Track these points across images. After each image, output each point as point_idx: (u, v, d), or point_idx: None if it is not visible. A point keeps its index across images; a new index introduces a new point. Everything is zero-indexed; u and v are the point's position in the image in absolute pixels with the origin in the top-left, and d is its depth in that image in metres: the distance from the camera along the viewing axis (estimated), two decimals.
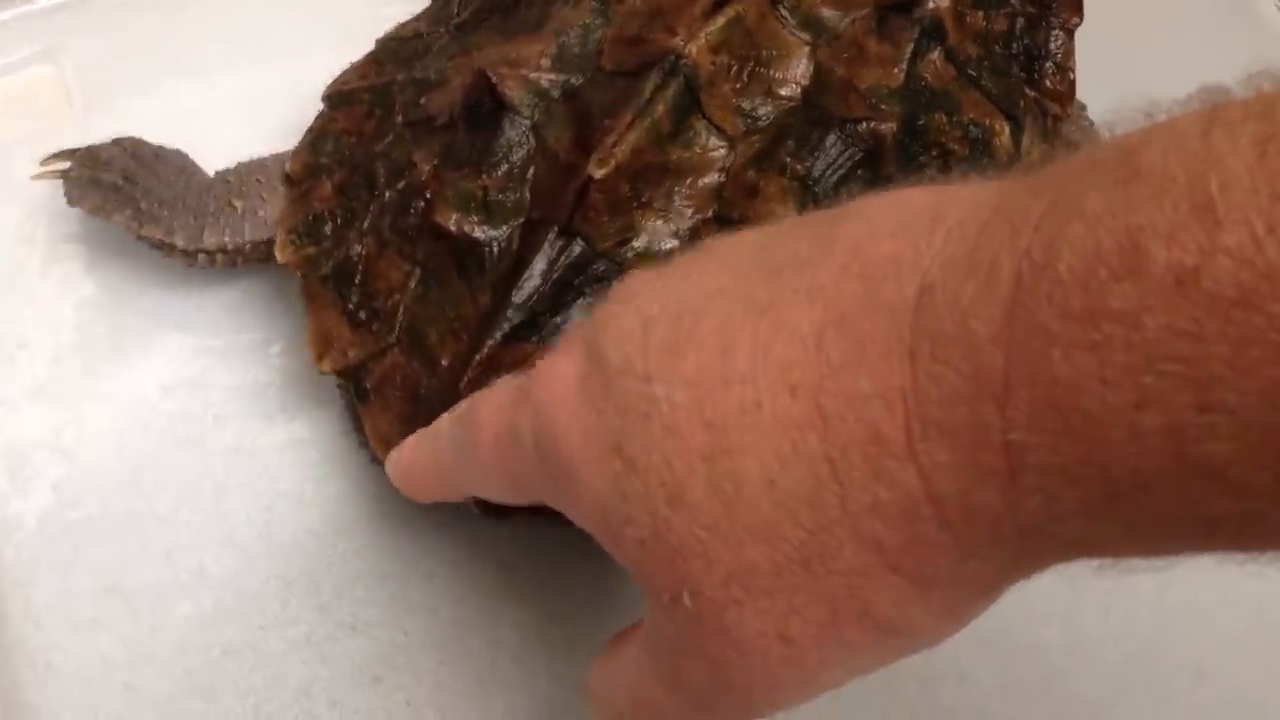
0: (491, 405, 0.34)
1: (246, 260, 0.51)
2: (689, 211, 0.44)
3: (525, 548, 0.49)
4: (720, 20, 0.45)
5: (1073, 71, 0.52)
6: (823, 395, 0.26)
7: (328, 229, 0.48)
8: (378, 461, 0.45)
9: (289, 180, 0.50)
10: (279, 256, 0.48)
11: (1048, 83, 0.51)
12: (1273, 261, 0.20)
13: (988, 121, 0.48)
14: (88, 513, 0.48)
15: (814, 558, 0.27)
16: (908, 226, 0.27)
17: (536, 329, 0.43)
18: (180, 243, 0.50)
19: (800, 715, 0.46)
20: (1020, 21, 0.51)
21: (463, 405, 0.37)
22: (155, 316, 0.53)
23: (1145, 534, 0.24)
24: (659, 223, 0.44)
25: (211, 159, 0.53)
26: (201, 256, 0.50)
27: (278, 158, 0.51)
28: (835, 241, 0.28)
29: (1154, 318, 0.21)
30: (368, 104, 0.50)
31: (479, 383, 0.42)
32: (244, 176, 0.51)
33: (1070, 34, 0.52)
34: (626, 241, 0.44)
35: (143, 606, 0.47)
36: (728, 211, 0.44)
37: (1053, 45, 0.52)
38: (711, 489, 0.27)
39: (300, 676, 0.46)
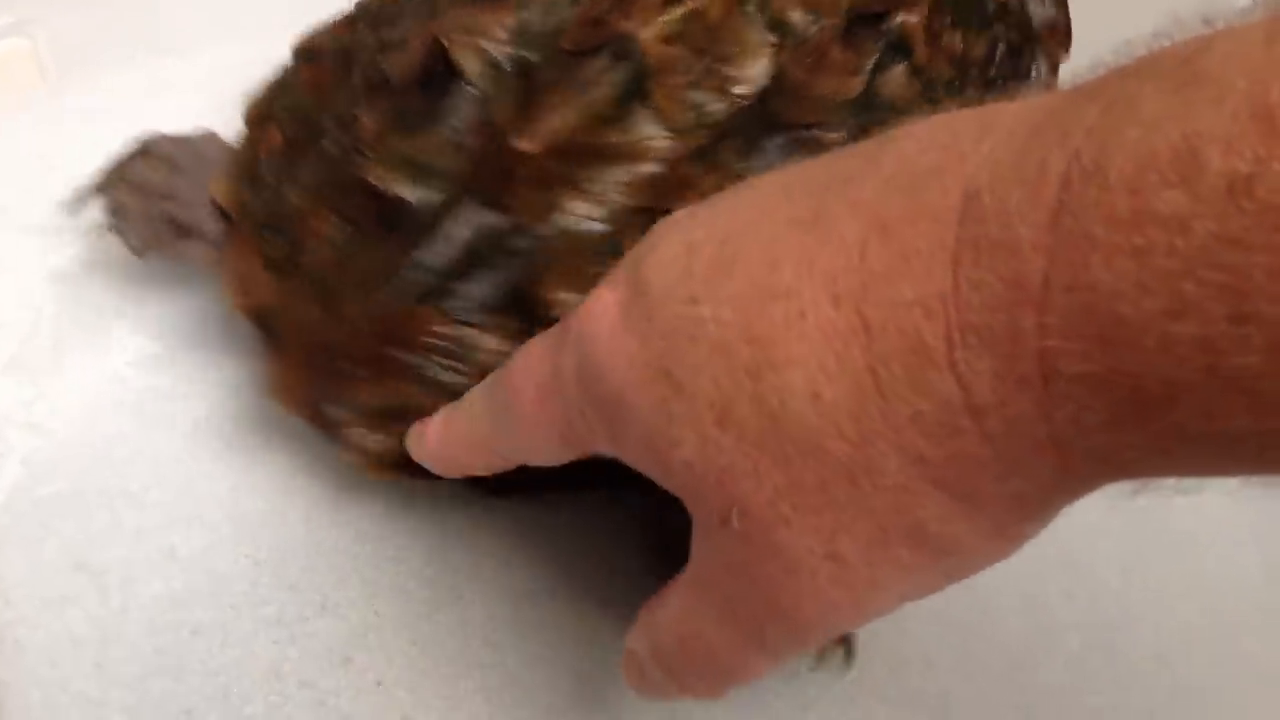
0: (526, 362, 0.34)
1: None
2: (619, 197, 0.43)
3: (497, 529, 0.49)
4: (678, 11, 0.44)
5: None
6: (865, 304, 0.26)
7: (269, 178, 0.48)
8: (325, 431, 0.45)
9: (245, 122, 0.50)
10: (216, 197, 0.48)
11: None
12: None
13: None
14: (57, 489, 0.48)
15: (860, 472, 0.26)
16: (956, 138, 0.27)
17: (444, 295, 0.43)
18: None
19: (770, 696, 0.47)
20: (1002, 48, 0.50)
21: (491, 375, 0.37)
22: (126, 296, 0.52)
23: (1172, 450, 0.24)
24: (585, 204, 0.43)
25: None
26: None
27: None
28: (881, 159, 0.28)
29: (1202, 224, 0.21)
30: (333, 61, 0.50)
31: (377, 340, 0.43)
32: None
33: (1055, 69, 0.52)
34: (549, 219, 0.43)
35: (112, 584, 0.46)
36: (659, 203, 0.43)
37: (1034, 76, 0.51)
38: (758, 405, 0.27)
39: (270, 656, 0.46)
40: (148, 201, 0.50)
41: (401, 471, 0.45)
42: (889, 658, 0.48)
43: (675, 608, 0.33)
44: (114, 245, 0.51)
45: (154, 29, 0.58)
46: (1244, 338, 0.21)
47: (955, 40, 0.49)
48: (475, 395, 0.38)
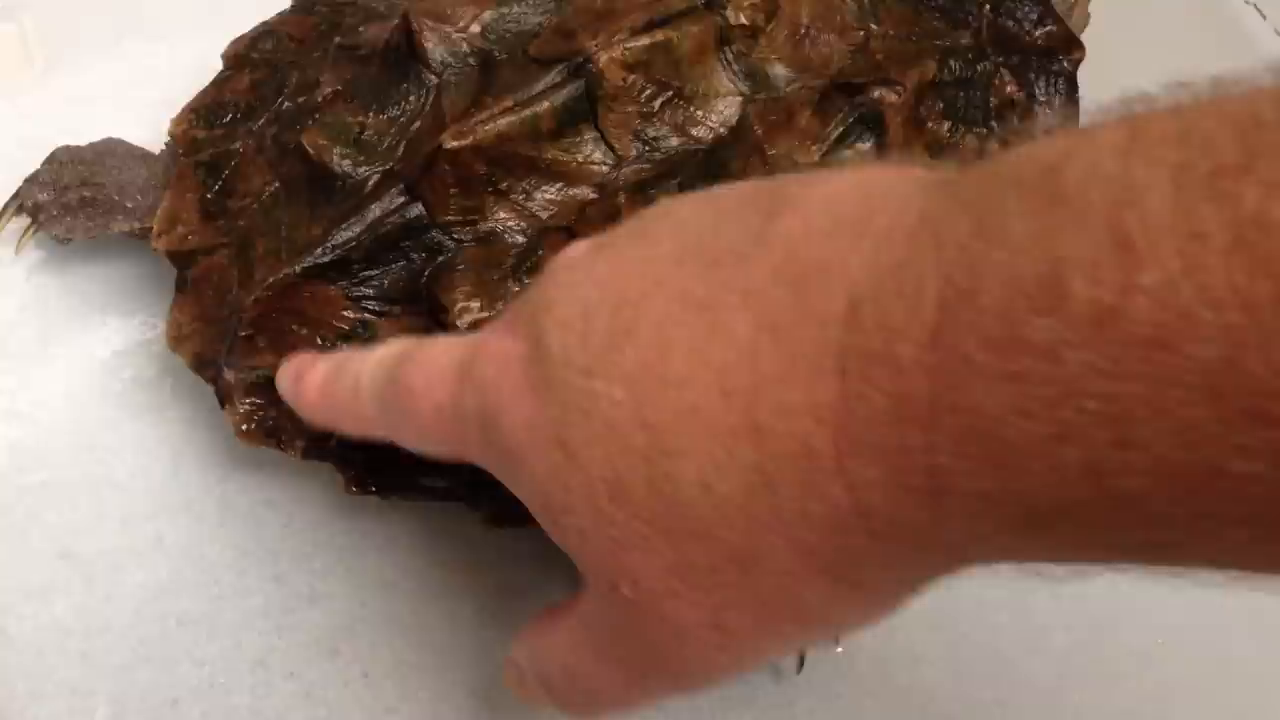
0: (427, 376, 0.35)
1: None
2: (545, 215, 0.43)
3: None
4: (645, 40, 0.43)
5: None
6: (756, 405, 0.26)
7: (226, 119, 0.48)
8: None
9: (223, 61, 0.50)
10: (170, 127, 0.48)
11: None
12: (1188, 303, 0.20)
13: None
14: (42, 477, 0.48)
15: (748, 559, 0.27)
16: (838, 229, 0.27)
17: (347, 275, 0.43)
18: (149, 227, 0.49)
19: (758, 691, 0.47)
20: (996, 146, 0.48)
21: (386, 363, 0.37)
22: (112, 284, 0.52)
23: (1062, 552, 0.25)
24: (508, 215, 0.43)
25: None
26: None
27: None
28: (771, 240, 0.28)
29: (1073, 353, 0.21)
30: (320, 18, 0.50)
31: (270, 305, 0.43)
32: None
33: None
34: (471, 223, 0.43)
35: (98, 574, 0.46)
36: (584, 229, 0.43)
37: None
38: (651, 487, 0.28)
39: (257, 647, 0.46)
40: (61, 194, 0.50)
41: (275, 443, 0.44)
42: (877, 653, 0.48)
43: (563, 641, 0.34)
44: (105, 235, 0.51)
45: (142, 16, 0.58)
46: (1128, 461, 0.21)
47: (941, 130, 0.48)
48: (365, 377, 0.38)
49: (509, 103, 0.43)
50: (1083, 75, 0.51)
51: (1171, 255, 0.20)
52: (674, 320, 0.28)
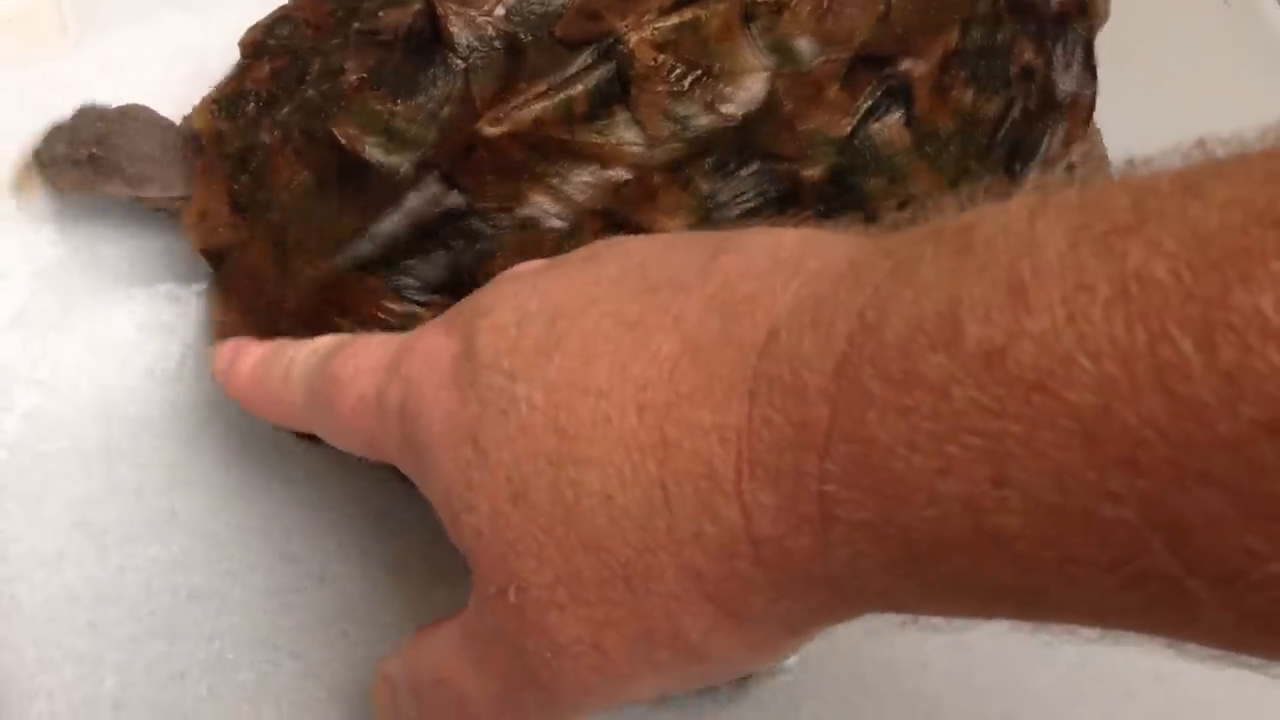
0: (357, 365, 0.35)
1: None
2: (581, 198, 0.43)
3: None
4: (673, 19, 0.43)
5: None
6: (668, 421, 0.27)
7: (249, 109, 0.48)
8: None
9: (240, 49, 0.50)
10: (193, 120, 0.48)
11: (1028, 183, 0.50)
12: (1068, 350, 0.21)
13: (932, 199, 0.46)
14: (59, 446, 0.48)
15: (636, 576, 0.28)
16: (774, 268, 0.28)
17: (388, 266, 0.43)
18: (180, 191, 0.49)
19: (762, 692, 0.46)
20: (1017, 112, 0.49)
21: (321, 352, 0.37)
22: (136, 256, 0.52)
23: (940, 596, 0.26)
24: (546, 200, 0.43)
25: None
26: None
27: None
28: (710, 274, 0.29)
29: (962, 390, 0.22)
30: (335, 3, 0.50)
31: (314, 299, 0.43)
32: None
33: (1067, 146, 0.51)
34: (509, 209, 0.43)
35: (110, 544, 0.46)
36: (620, 210, 0.43)
37: (1044, 148, 0.50)
38: (554, 494, 0.28)
39: (265, 625, 0.46)
40: (76, 149, 0.50)
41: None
42: (881, 659, 0.47)
43: (441, 648, 0.34)
44: (124, 208, 0.51)
45: None
46: (1004, 499, 0.22)
47: (966, 96, 0.48)
48: (296, 366, 0.38)
49: (543, 87, 0.43)
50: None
51: (1058, 303, 0.21)
52: (603, 334, 0.29)
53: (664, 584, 0.28)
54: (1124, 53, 0.53)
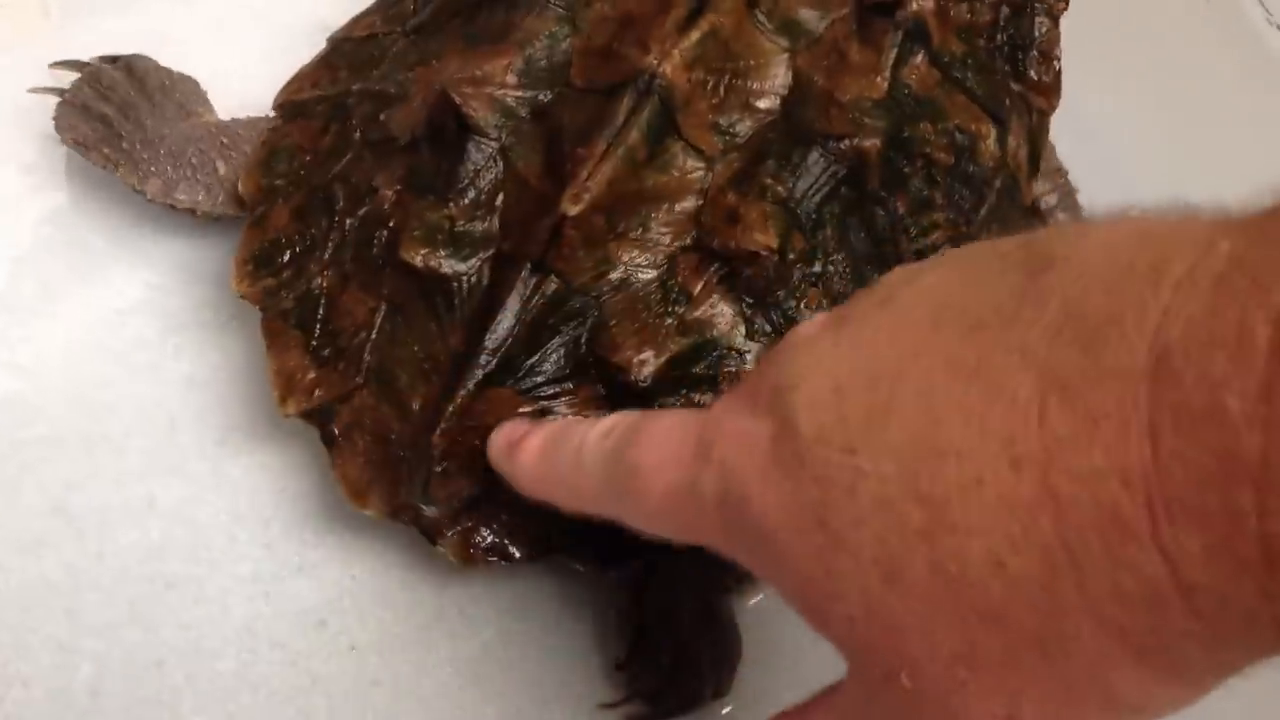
0: (660, 452, 0.33)
1: (222, 219, 0.50)
2: (667, 239, 0.43)
3: None
4: (695, 35, 0.43)
5: (1058, 61, 0.51)
6: (1052, 472, 0.24)
7: (286, 258, 0.46)
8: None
9: (247, 201, 0.47)
10: (234, 288, 0.46)
11: (1033, 74, 0.50)
12: None
13: (973, 126, 0.47)
14: (39, 432, 0.48)
15: (1050, 641, 0.25)
16: (1125, 279, 0.25)
17: (512, 373, 0.42)
18: (150, 194, 0.49)
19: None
20: (1005, 10, 0.49)
21: (617, 433, 0.36)
22: (117, 239, 0.52)
23: None
24: (635, 253, 0.42)
25: None
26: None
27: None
28: (1042, 296, 0.26)
29: None
30: (324, 117, 0.48)
31: (454, 431, 0.42)
32: (237, 136, 0.50)
33: (1055, 20, 0.51)
34: (603, 275, 0.42)
35: (89, 531, 0.46)
36: (706, 238, 0.43)
37: (1038, 33, 0.50)
38: (933, 568, 0.26)
39: (243, 614, 0.46)
40: (100, 103, 0.50)
41: (499, 557, 0.43)
42: None
43: None
44: (110, 188, 0.51)
45: None
46: None
47: (962, 11, 0.48)
48: (588, 451, 0.36)
49: (602, 145, 0.42)
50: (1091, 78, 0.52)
51: None
52: (941, 388, 0.26)
53: (1084, 645, 0.25)
54: (1103, 49, 0.53)
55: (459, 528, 0.43)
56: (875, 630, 0.27)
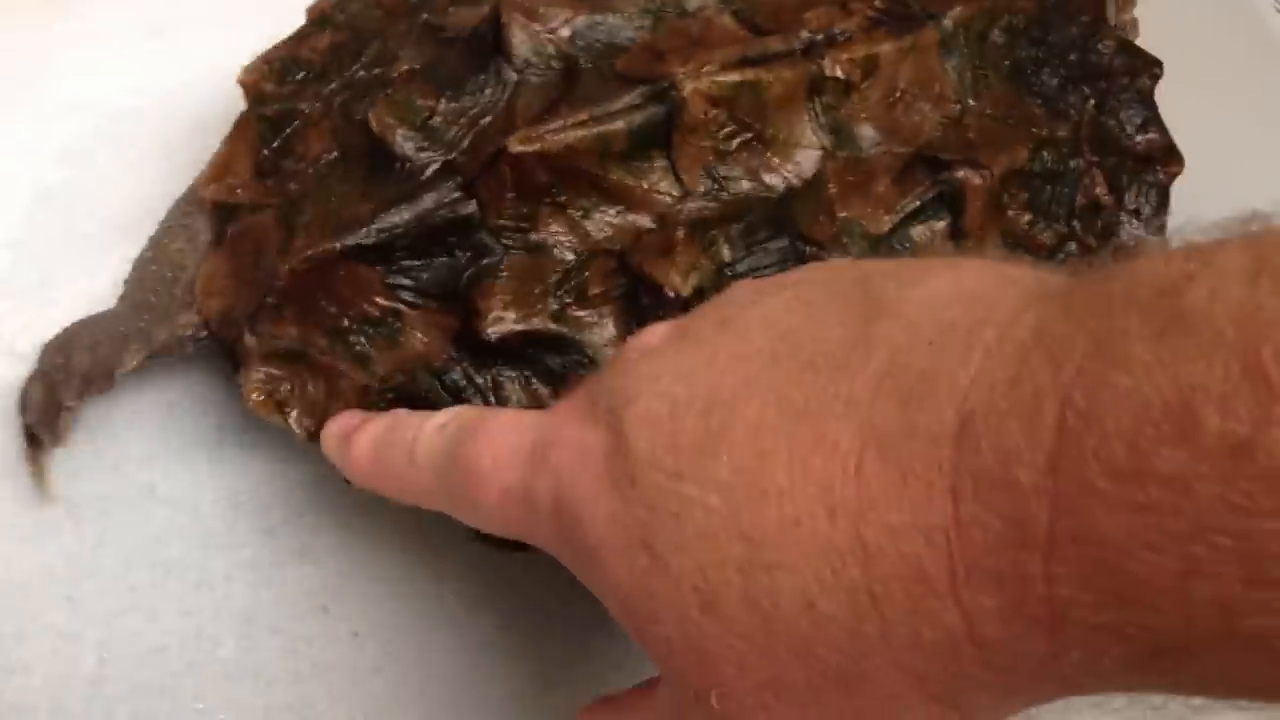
0: (494, 456, 0.34)
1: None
2: (599, 236, 0.42)
3: None
4: (734, 75, 0.42)
5: None
6: (863, 523, 0.25)
7: (298, 77, 0.47)
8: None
9: (306, 15, 0.49)
10: (240, 75, 0.47)
11: None
12: None
13: None
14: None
15: (852, 679, 0.27)
16: (946, 337, 0.26)
17: (386, 261, 0.42)
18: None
19: None
20: (1073, 247, 0.47)
21: (452, 428, 0.36)
22: (117, 221, 0.51)
23: (1188, 689, 0.24)
24: (562, 229, 0.42)
25: (180, 74, 0.51)
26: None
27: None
28: (871, 345, 0.27)
29: (1205, 487, 0.21)
30: None
31: (303, 277, 0.42)
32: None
33: None
34: (522, 230, 0.42)
35: (88, 519, 0.46)
36: (633, 259, 0.42)
37: None
38: (748, 602, 0.27)
39: (245, 600, 0.46)
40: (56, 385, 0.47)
41: (282, 415, 0.43)
42: None
43: None
44: (102, 174, 0.51)
45: None
46: (1263, 601, 0.21)
47: (1021, 219, 0.46)
48: (422, 446, 0.37)
49: (584, 115, 0.41)
50: None
51: None
52: (771, 426, 0.27)
53: (882, 686, 0.26)
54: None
55: (267, 369, 0.43)
56: (691, 653, 0.28)
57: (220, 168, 0.46)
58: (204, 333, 0.45)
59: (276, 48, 0.48)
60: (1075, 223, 0.47)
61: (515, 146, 0.41)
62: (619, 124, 0.41)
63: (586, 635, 0.47)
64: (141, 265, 0.48)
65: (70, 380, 0.46)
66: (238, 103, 0.49)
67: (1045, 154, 0.47)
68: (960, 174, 0.44)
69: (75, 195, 0.52)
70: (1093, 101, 0.48)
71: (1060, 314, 0.25)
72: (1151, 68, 0.49)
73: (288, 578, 0.46)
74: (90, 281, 0.50)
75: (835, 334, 0.28)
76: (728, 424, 0.28)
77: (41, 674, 0.44)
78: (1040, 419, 0.23)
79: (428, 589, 0.46)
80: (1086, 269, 0.26)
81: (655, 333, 0.33)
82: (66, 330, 0.48)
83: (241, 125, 0.47)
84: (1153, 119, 0.49)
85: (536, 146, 0.41)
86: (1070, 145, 0.47)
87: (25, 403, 0.47)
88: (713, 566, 0.27)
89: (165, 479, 0.47)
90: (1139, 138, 0.49)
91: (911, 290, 0.28)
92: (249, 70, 0.48)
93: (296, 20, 0.50)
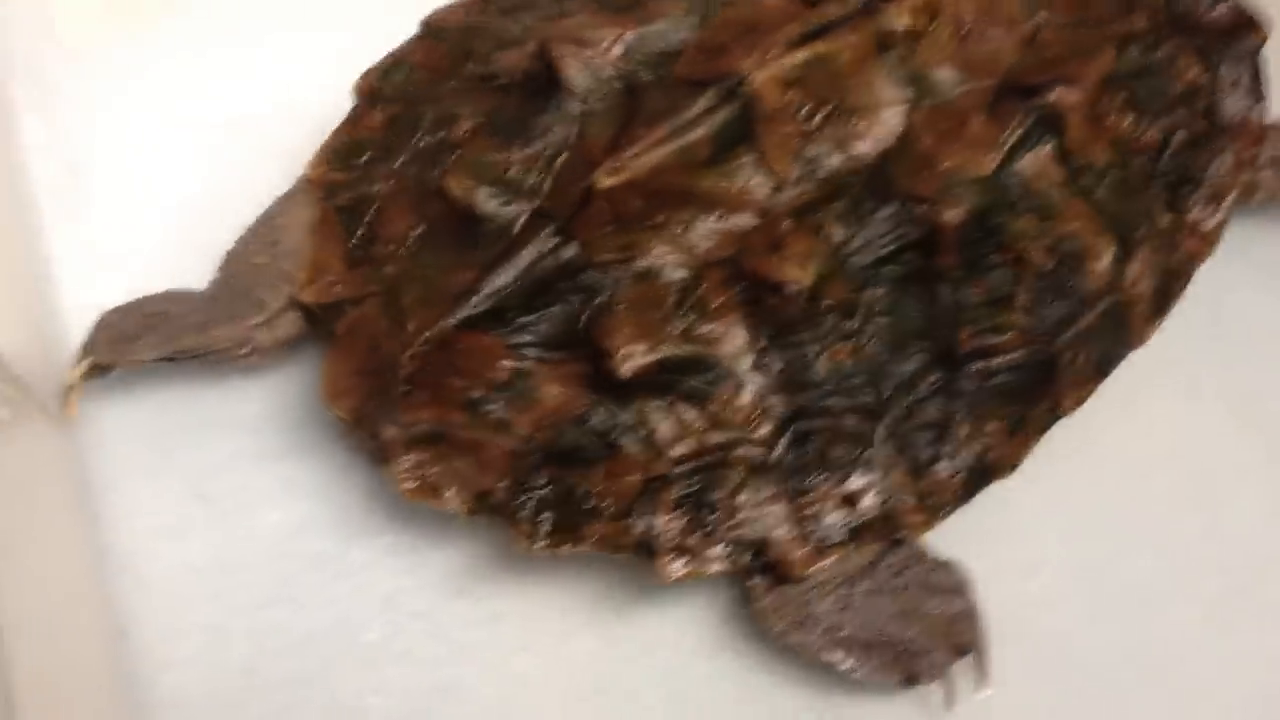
0: None
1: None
2: (705, 246, 0.41)
3: None
4: (800, 55, 0.41)
5: (1226, 209, 0.46)
6: None
7: (362, 160, 0.46)
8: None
9: (355, 95, 0.48)
10: (308, 170, 0.47)
11: (1194, 214, 0.46)
12: None
13: (1087, 239, 0.44)
14: (177, 418, 0.49)
15: None
16: None
17: (502, 323, 0.41)
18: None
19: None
20: (1181, 137, 0.45)
21: None
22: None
23: None
24: (668, 250, 0.41)
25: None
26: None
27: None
28: None
29: None
30: (451, 44, 0.48)
31: (426, 359, 0.41)
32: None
33: (1241, 166, 0.46)
34: (628, 260, 0.41)
35: (230, 514, 0.47)
36: (745, 260, 0.41)
37: (1212, 170, 0.46)
38: None
39: (385, 587, 0.46)
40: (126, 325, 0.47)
41: (438, 497, 0.42)
42: (1013, 597, 0.46)
43: None
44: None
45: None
46: None
47: (1123, 123, 0.45)
48: None
49: (661, 132, 0.40)
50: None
51: None
52: None
53: None
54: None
55: (413, 456, 0.42)
56: None
57: (314, 269, 0.45)
58: (250, 350, 0.46)
59: (335, 135, 0.47)
60: (1176, 112, 0.46)
61: (603, 181, 0.40)
62: (699, 132, 0.40)
63: (732, 613, 0.46)
64: (227, 264, 0.48)
65: (137, 334, 0.47)
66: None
67: (1131, 50, 0.45)
68: (1053, 95, 0.43)
69: (207, 200, 0.53)
70: None
71: None
72: None
73: (426, 563, 0.47)
74: None
75: None
76: None
77: (194, 670, 0.45)
78: None
79: (564, 566, 0.46)
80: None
81: None
82: (156, 295, 0.48)
83: (322, 221, 0.46)
84: None
85: (624, 176, 0.40)
86: (1153, 34, 0.45)
87: (100, 326, 0.47)
88: None
89: (303, 472, 0.48)
90: (1215, 11, 0.47)
91: None
92: (315, 165, 0.47)
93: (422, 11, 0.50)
